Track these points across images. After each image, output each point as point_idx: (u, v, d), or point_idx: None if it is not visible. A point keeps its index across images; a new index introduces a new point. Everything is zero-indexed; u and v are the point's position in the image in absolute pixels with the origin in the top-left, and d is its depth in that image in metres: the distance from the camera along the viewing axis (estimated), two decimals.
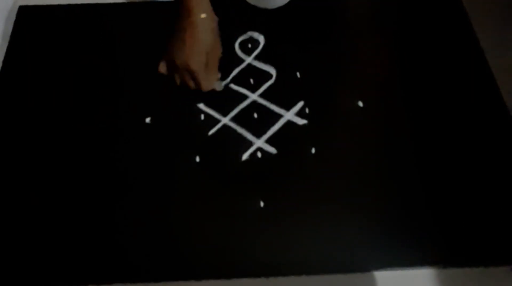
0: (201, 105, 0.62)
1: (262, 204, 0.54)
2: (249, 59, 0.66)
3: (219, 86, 0.61)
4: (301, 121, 0.60)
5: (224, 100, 0.62)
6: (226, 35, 0.67)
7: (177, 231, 0.53)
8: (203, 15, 0.56)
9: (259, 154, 0.58)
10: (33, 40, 0.68)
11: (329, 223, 0.53)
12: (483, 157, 0.58)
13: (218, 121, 0.60)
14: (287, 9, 0.70)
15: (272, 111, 0.61)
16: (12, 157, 0.58)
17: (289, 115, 0.61)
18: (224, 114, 0.61)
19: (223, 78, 0.64)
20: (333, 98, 0.63)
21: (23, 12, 0.70)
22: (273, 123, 0.60)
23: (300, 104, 0.62)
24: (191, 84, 0.60)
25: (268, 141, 0.59)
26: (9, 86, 0.63)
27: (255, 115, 0.61)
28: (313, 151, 0.58)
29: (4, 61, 0.65)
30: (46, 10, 0.70)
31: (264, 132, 0.59)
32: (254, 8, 0.69)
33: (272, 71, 0.64)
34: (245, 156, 0.58)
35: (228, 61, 0.65)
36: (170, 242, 0.52)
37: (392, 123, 0.61)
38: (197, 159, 0.57)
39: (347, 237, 0.52)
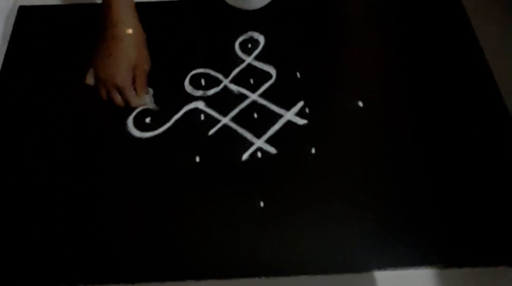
0: (201, 105, 0.62)
1: (262, 204, 0.54)
2: (249, 59, 0.66)
3: (150, 103, 0.59)
4: (301, 121, 0.60)
5: (224, 100, 0.62)
6: (226, 35, 0.67)
7: (177, 231, 0.53)
8: (129, 31, 0.55)
9: (259, 154, 0.58)
10: (33, 40, 0.68)
11: (329, 223, 0.53)
12: (483, 157, 0.58)
13: (218, 121, 0.60)
14: (287, 9, 0.70)
15: (272, 111, 0.61)
16: (12, 157, 0.58)
17: (289, 115, 0.61)
18: (224, 114, 0.61)
19: (223, 77, 0.64)
20: (333, 98, 0.63)
21: (23, 12, 0.70)
22: (273, 123, 0.60)
23: (300, 104, 0.62)
24: (118, 100, 0.58)
25: (268, 141, 0.59)
26: (9, 86, 0.63)
27: (255, 115, 0.61)
28: (313, 151, 0.58)
29: (4, 61, 0.65)
30: (46, 10, 0.70)
31: (264, 132, 0.59)
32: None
33: (272, 71, 0.64)
34: (245, 156, 0.58)
35: (228, 61, 0.65)
36: (170, 242, 0.52)
37: (392, 123, 0.61)
38: (197, 159, 0.57)
39: (347, 237, 0.52)
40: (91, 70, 0.59)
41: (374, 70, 0.65)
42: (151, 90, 0.60)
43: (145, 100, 0.59)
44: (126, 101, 0.58)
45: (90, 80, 0.59)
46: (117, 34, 0.55)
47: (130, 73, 0.57)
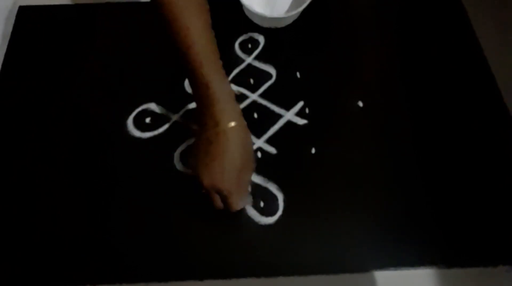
0: None
1: (262, 204, 0.54)
2: (249, 59, 0.66)
3: (249, 202, 0.54)
4: (301, 121, 0.60)
5: None
6: (226, 35, 0.67)
7: (177, 231, 0.53)
8: (231, 124, 0.47)
9: (259, 154, 0.58)
10: (33, 40, 0.68)
11: (329, 223, 0.53)
12: (483, 157, 0.58)
13: None
14: None
15: (272, 111, 0.61)
16: (12, 157, 0.58)
17: (289, 115, 0.61)
18: None
19: None
20: (333, 98, 0.63)
21: (23, 12, 0.70)
22: (273, 123, 0.60)
23: (300, 104, 0.62)
24: (219, 204, 0.51)
25: (268, 141, 0.59)
26: (9, 86, 0.63)
27: (255, 115, 0.61)
28: (313, 151, 0.58)
29: (4, 61, 0.65)
30: (46, 10, 0.70)
31: (264, 132, 0.59)
32: None
33: (272, 71, 0.64)
34: None
35: (228, 61, 0.65)
36: (170, 242, 0.52)
37: (392, 123, 0.61)
38: None
39: (347, 237, 0.52)
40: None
41: (374, 70, 0.65)
42: (249, 194, 0.54)
43: (246, 202, 0.53)
44: (228, 206, 0.50)
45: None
46: (220, 131, 0.46)
47: (236, 177, 0.48)
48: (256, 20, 0.67)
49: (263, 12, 0.65)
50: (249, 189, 0.54)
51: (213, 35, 0.49)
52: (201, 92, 0.48)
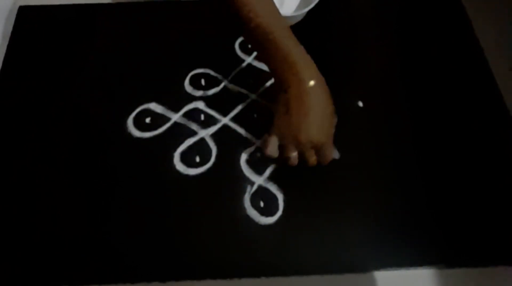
0: (201, 105, 0.62)
1: (262, 204, 0.54)
2: (249, 59, 0.66)
3: (336, 154, 0.54)
4: None
5: (224, 100, 0.62)
6: (226, 35, 0.67)
7: (177, 231, 0.53)
8: (312, 82, 0.49)
9: (259, 154, 0.58)
10: (33, 40, 0.68)
11: (329, 223, 0.53)
12: (483, 157, 0.58)
13: (218, 121, 0.60)
14: None
15: (272, 112, 0.61)
16: (12, 157, 0.58)
17: None
18: (224, 114, 0.61)
19: (223, 77, 0.64)
20: (333, 98, 0.63)
21: (23, 12, 0.70)
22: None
23: None
24: (313, 160, 0.52)
25: None
26: (9, 86, 0.63)
27: (255, 115, 0.61)
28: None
29: (4, 61, 0.65)
30: (46, 10, 0.70)
31: (264, 132, 0.59)
32: None
33: None
34: (245, 156, 0.58)
35: (228, 61, 0.65)
36: (170, 242, 0.52)
37: (392, 123, 0.61)
38: (197, 159, 0.57)
39: (347, 237, 0.52)
40: (272, 139, 0.52)
41: (374, 70, 0.65)
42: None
43: (335, 154, 0.54)
44: (322, 158, 0.52)
45: (271, 150, 0.53)
46: (306, 89, 0.49)
47: (328, 130, 0.51)
48: None
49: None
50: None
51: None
52: (280, 57, 0.50)
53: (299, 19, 0.67)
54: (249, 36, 0.53)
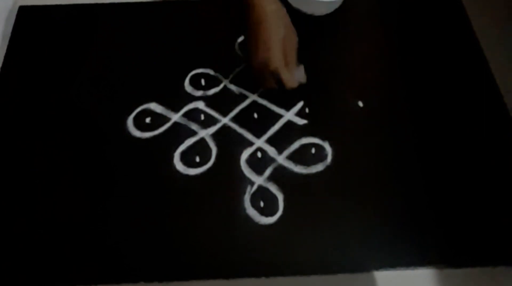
0: (201, 105, 0.62)
1: (262, 204, 0.54)
2: None
3: (302, 78, 0.54)
4: (301, 121, 0.60)
5: (224, 100, 0.62)
6: (226, 35, 0.67)
7: (177, 231, 0.53)
8: (271, 7, 0.51)
9: (259, 154, 0.58)
10: (33, 40, 0.68)
11: (329, 223, 0.53)
12: (483, 157, 0.58)
13: (218, 121, 0.60)
14: (286, 9, 0.69)
15: (272, 111, 0.61)
16: (12, 157, 0.58)
17: (289, 115, 0.61)
18: (224, 114, 0.61)
19: (223, 77, 0.64)
20: (333, 98, 0.63)
21: (23, 12, 0.70)
22: (273, 124, 0.60)
23: (300, 104, 0.62)
24: (272, 84, 0.54)
25: (268, 141, 0.59)
26: (9, 86, 0.63)
27: (255, 115, 0.61)
28: (313, 151, 0.58)
29: (4, 61, 0.65)
30: (46, 10, 0.70)
31: (264, 132, 0.59)
32: None
33: None
34: (245, 156, 0.58)
35: (228, 61, 0.65)
36: (170, 242, 0.52)
37: (392, 123, 0.61)
38: (197, 159, 0.57)
39: (347, 237, 0.52)
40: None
41: (374, 70, 0.65)
42: (301, 66, 0.56)
43: (299, 77, 0.54)
44: (281, 83, 0.54)
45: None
46: (260, 14, 0.51)
47: (281, 53, 0.52)
48: (297, 4, 0.67)
49: None
50: (301, 67, 0.55)
51: None
52: None
53: (337, 5, 0.67)
54: None
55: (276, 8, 0.52)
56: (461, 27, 0.68)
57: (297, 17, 0.68)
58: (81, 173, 0.57)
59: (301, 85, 0.63)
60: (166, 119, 0.61)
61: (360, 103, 0.62)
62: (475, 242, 0.52)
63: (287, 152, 0.58)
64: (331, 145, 0.58)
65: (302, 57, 0.65)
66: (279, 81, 0.53)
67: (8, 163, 0.58)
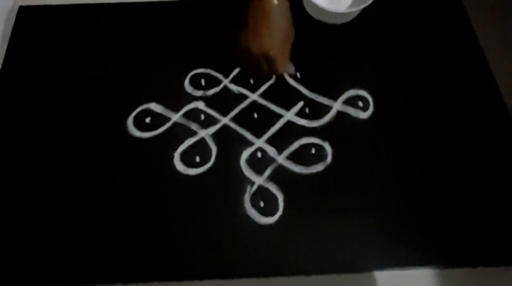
0: (201, 105, 0.62)
1: (262, 204, 0.54)
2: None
3: (291, 69, 0.59)
4: (301, 121, 0.60)
5: (224, 100, 0.62)
6: (226, 35, 0.67)
7: (177, 231, 0.53)
8: (275, 1, 0.54)
9: (259, 154, 0.58)
10: (33, 40, 0.68)
11: (329, 223, 0.53)
12: (483, 157, 0.58)
13: (218, 121, 0.60)
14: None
15: (272, 111, 0.61)
16: (12, 157, 0.58)
17: (289, 115, 0.61)
18: (224, 114, 0.61)
19: (223, 77, 0.64)
20: (333, 98, 0.63)
21: (23, 12, 0.70)
22: (273, 123, 0.60)
23: (300, 104, 0.62)
24: (265, 68, 0.57)
25: (268, 141, 0.59)
26: (9, 86, 0.63)
27: (255, 115, 0.61)
28: (313, 151, 0.58)
29: (4, 61, 0.65)
30: (46, 10, 0.70)
31: (264, 132, 0.59)
32: None
33: None
34: (245, 156, 0.58)
35: (228, 61, 0.65)
36: (170, 242, 0.52)
37: (392, 123, 0.61)
38: (197, 159, 0.57)
39: (347, 237, 0.52)
40: (240, 51, 0.58)
41: (374, 71, 0.65)
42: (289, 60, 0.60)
43: (288, 69, 0.59)
44: (273, 69, 0.57)
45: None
46: (265, 7, 0.54)
47: (281, 45, 0.56)
48: (314, 13, 0.68)
49: (327, 7, 0.65)
50: (290, 60, 0.58)
51: None
52: None
53: (353, 16, 0.67)
54: None
55: (280, 3, 0.55)
56: (461, 27, 0.68)
57: (297, 16, 0.68)
58: (81, 173, 0.57)
59: (301, 85, 0.63)
60: (166, 119, 0.61)
61: (360, 103, 0.62)
62: (475, 242, 0.52)
63: (287, 152, 0.58)
64: (331, 145, 0.58)
65: (303, 57, 0.65)
66: (270, 68, 0.57)
67: (8, 163, 0.58)
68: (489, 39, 0.67)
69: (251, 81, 0.62)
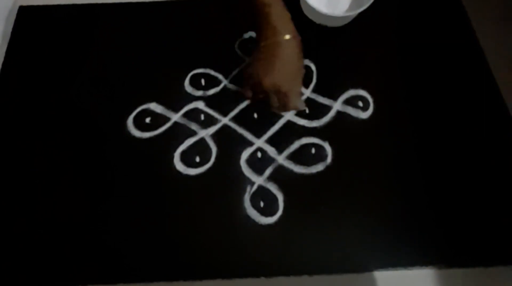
0: (201, 105, 0.62)
1: (262, 204, 0.54)
2: (249, 59, 0.66)
3: (302, 105, 0.58)
4: (301, 121, 0.60)
5: (224, 100, 0.62)
6: (226, 35, 0.67)
7: (177, 231, 0.53)
8: (287, 36, 0.54)
9: (259, 154, 0.58)
10: (33, 40, 0.68)
11: (329, 223, 0.53)
12: (483, 157, 0.58)
13: (218, 121, 0.60)
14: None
15: (272, 111, 0.61)
16: (12, 157, 0.58)
17: (289, 115, 0.61)
18: (224, 114, 0.61)
19: (223, 77, 0.64)
20: (333, 98, 0.63)
21: (23, 12, 0.70)
22: (273, 123, 0.60)
23: None
24: (275, 103, 0.56)
25: (268, 141, 0.59)
26: (9, 86, 0.63)
27: (255, 115, 0.61)
28: (313, 151, 0.58)
29: (4, 61, 0.65)
30: (46, 10, 0.70)
31: (264, 132, 0.59)
32: None
33: None
34: (245, 156, 0.58)
35: (228, 61, 0.65)
36: (170, 242, 0.52)
37: (392, 123, 0.61)
38: (197, 159, 0.57)
39: (347, 237, 0.52)
40: (247, 84, 0.58)
41: (374, 71, 0.65)
42: (303, 95, 0.61)
43: (300, 105, 0.57)
44: (285, 106, 0.56)
45: (247, 93, 0.58)
46: (278, 41, 0.54)
47: (293, 80, 0.56)
48: (313, 17, 0.67)
49: (325, 10, 0.65)
50: (303, 95, 0.60)
51: None
52: (265, 12, 0.55)
53: (350, 19, 0.67)
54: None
55: (293, 39, 0.55)
56: (461, 27, 0.68)
57: (297, 16, 0.68)
58: (81, 173, 0.57)
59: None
60: (166, 119, 0.61)
61: (360, 103, 0.62)
62: (475, 242, 0.52)
63: (287, 152, 0.58)
64: (331, 145, 0.58)
65: (304, 58, 0.65)
66: (281, 103, 0.56)
67: (8, 163, 0.58)
68: (489, 39, 0.66)
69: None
